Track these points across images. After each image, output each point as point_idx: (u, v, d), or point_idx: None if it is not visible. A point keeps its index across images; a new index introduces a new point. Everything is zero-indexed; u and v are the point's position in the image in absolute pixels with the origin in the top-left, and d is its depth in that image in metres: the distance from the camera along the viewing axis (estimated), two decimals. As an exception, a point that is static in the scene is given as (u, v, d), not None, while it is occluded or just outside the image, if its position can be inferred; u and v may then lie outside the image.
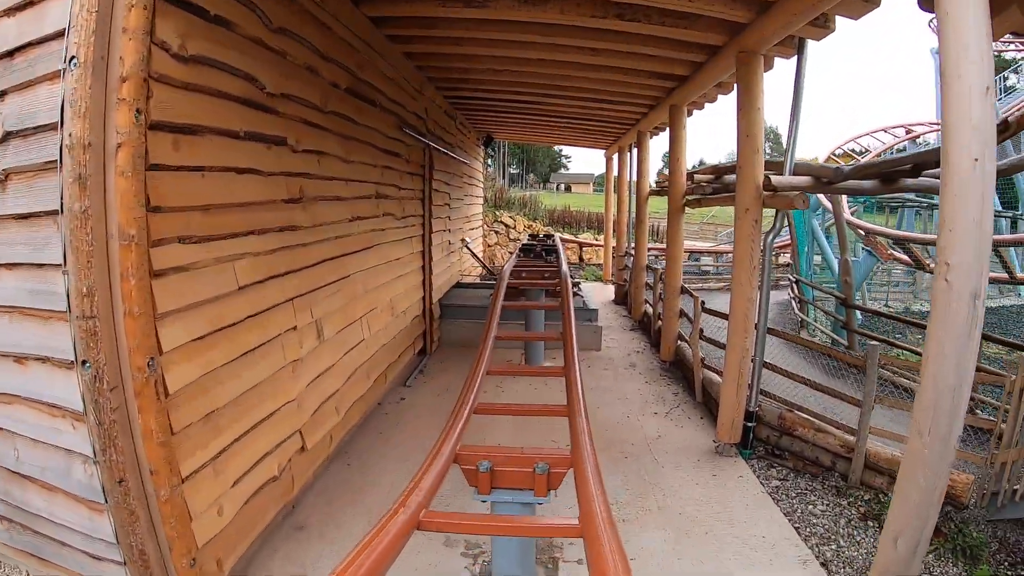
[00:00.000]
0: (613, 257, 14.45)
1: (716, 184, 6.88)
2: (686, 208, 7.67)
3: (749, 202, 4.93)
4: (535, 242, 12.14)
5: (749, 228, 4.93)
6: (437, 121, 8.71)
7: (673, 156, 7.65)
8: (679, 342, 7.71)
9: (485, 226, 17.80)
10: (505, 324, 8.60)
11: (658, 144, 10.80)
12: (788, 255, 16.37)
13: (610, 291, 14.33)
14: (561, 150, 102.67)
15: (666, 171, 9.63)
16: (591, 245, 19.12)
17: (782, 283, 15.42)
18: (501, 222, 18.31)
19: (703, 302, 6.47)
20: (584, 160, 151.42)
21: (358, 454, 5.07)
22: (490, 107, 11.15)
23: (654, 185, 10.56)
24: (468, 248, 10.20)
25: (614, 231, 14.11)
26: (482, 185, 14.98)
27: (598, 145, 14.80)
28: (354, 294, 5.35)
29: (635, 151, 12.05)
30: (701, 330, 6.45)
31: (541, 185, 75.26)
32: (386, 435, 5.47)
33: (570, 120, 11.84)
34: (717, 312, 6.44)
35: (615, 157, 14.91)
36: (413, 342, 7.61)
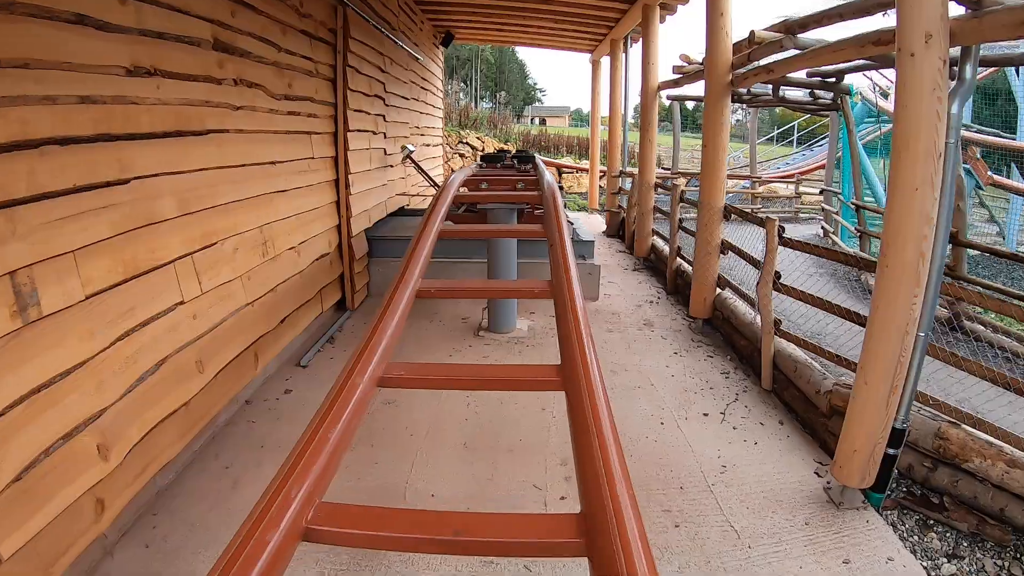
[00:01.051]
0: (603, 180, 11.86)
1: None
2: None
3: (932, 25, 2.34)
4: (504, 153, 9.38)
5: (932, 75, 2.35)
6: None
7: (714, 10, 4.93)
8: (719, 289, 5.24)
9: (448, 148, 15.00)
10: (448, 264, 6.13)
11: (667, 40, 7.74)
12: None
13: (598, 222, 11.79)
14: (536, 83, 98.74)
15: (689, 54, 7.02)
16: (574, 169, 16.40)
17: (803, 215, 13.02)
18: (467, 143, 15.48)
19: (782, 227, 3.95)
20: (559, 93, 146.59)
21: (170, 524, 2.58)
22: None
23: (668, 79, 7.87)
24: (412, 160, 7.45)
25: (604, 153, 11.49)
26: (441, 95, 12.13)
27: (581, 45, 11.99)
28: (150, 215, 2.73)
29: (638, 40, 9.35)
30: (778, 274, 3.94)
31: (516, 119, 71.61)
32: (229, 486, 2.94)
33: (547, 13, 9.11)
34: (807, 246, 3.95)
35: (603, 61, 12.12)
36: (319, 295, 5.06)
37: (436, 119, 11.66)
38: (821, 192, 11.43)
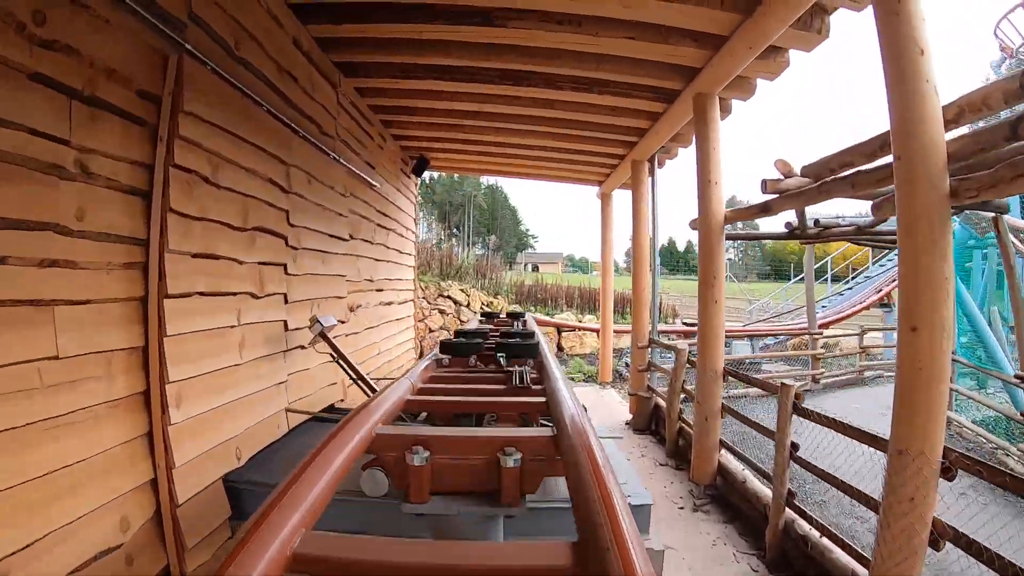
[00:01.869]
0: (618, 339, 9.06)
1: None
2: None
3: None
4: (487, 324, 6.39)
5: None
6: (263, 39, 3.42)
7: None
8: None
9: (425, 302, 12.32)
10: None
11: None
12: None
13: (616, 403, 8.85)
14: (528, 229, 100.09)
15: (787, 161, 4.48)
16: (579, 329, 13.66)
17: (870, 374, 10.16)
18: (449, 297, 12.83)
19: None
20: (552, 239, 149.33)
21: None
22: (424, 113, 6.93)
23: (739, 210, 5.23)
24: (327, 341, 4.42)
25: (628, 310, 8.82)
26: (413, 237, 9.64)
27: (588, 176, 9.73)
28: None
29: (671, 155, 6.98)
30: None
31: (508, 266, 70.93)
32: None
33: (547, 144, 6.94)
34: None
35: (613, 194, 9.79)
36: None
37: (405, 268, 9.05)
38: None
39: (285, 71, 4.29)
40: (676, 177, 8.31)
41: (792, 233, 5.68)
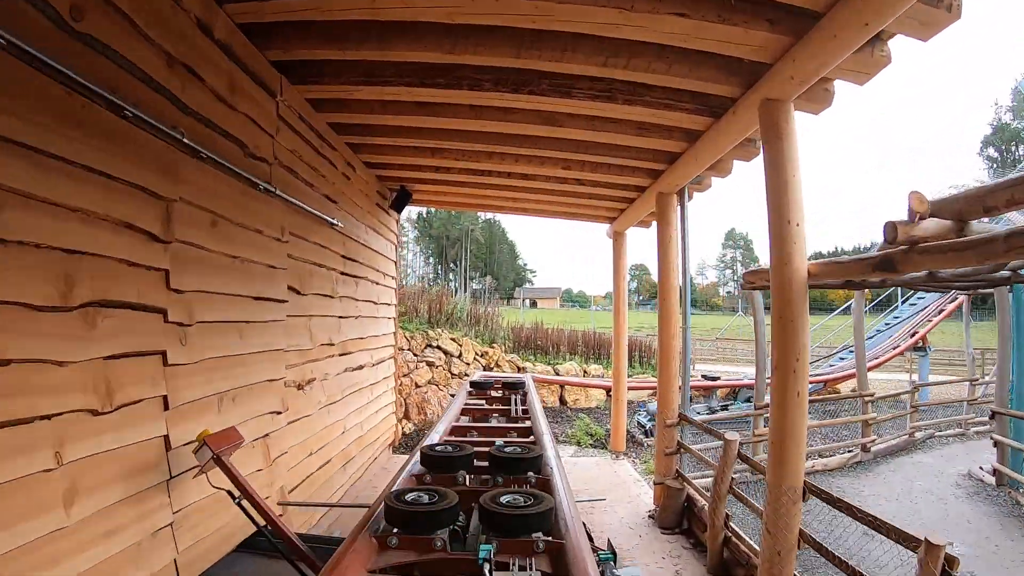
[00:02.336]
0: (646, 406, 7.59)
1: None
2: None
3: None
4: (478, 400, 4.94)
5: None
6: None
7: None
8: None
9: (411, 354, 10.85)
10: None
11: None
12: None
13: (631, 482, 7.35)
14: (526, 263, 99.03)
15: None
16: (588, 387, 12.15)
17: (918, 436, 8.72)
18: (439, 347, 11.35)
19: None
20: (549, 272, 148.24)
21: None
22: (401, 133, 5.65)
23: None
24: (222, 468, 3.01)
25: (651, 363, 7.39)
26: (392, 281, 8.23)
27: (597, 214, 8.39)
28: None
29: (701, 189, 5.68)
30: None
31: (506, 301, 69.52)
32: None
33: (551, 174, 5.76)
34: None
35: (626, 233, 8.45)
36: None
37: (382, 321, 7.63)
38: (992, 417, 7.26)
39: (179, 63, 2.92)
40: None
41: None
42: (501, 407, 5.16)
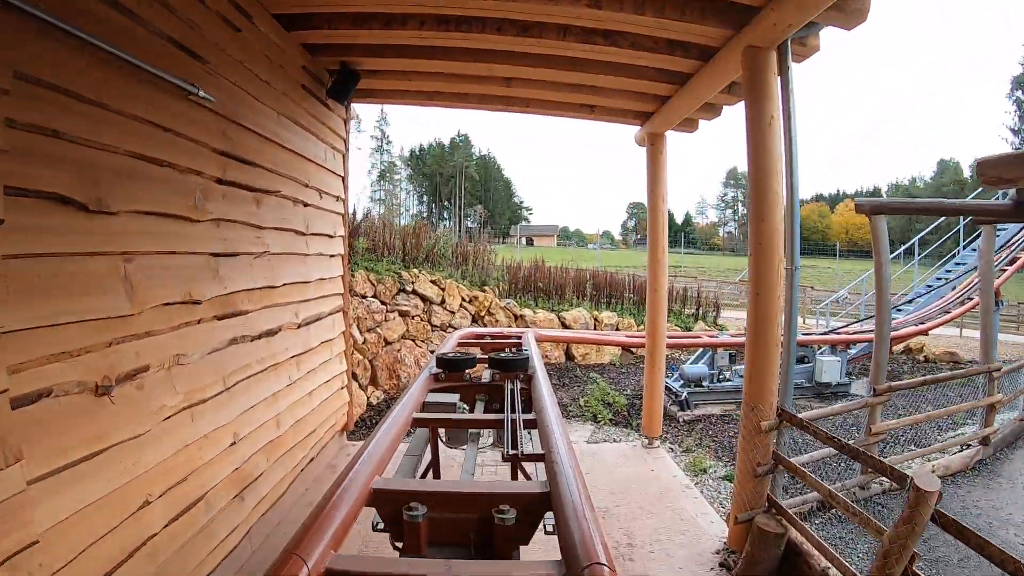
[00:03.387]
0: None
1: None
2: None
3: None
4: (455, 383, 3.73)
5: None
6: None
7: None
8: None
9: (379, 302, 8.50)
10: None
11: None
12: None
13: (680, 488, 5.14)
14: (522, 201, 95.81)
15: None
16: (609, 344, 9.73)
17: None
18: (415, 292, 9.00)
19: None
20: (546, 212, 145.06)
21: None
22: None
23: None
24: None
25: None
26: (341, 204, 5.82)
27: (624, 110, 5.95)
28: None
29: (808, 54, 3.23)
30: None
31: (501, 239, 66.82)
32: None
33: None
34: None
35: (666, 136, 6.05)
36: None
37: (318, 260, 5.28)
38: None
39: None
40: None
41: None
42: (485, 420, 2.98)
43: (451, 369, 3.62)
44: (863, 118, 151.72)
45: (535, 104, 5.97)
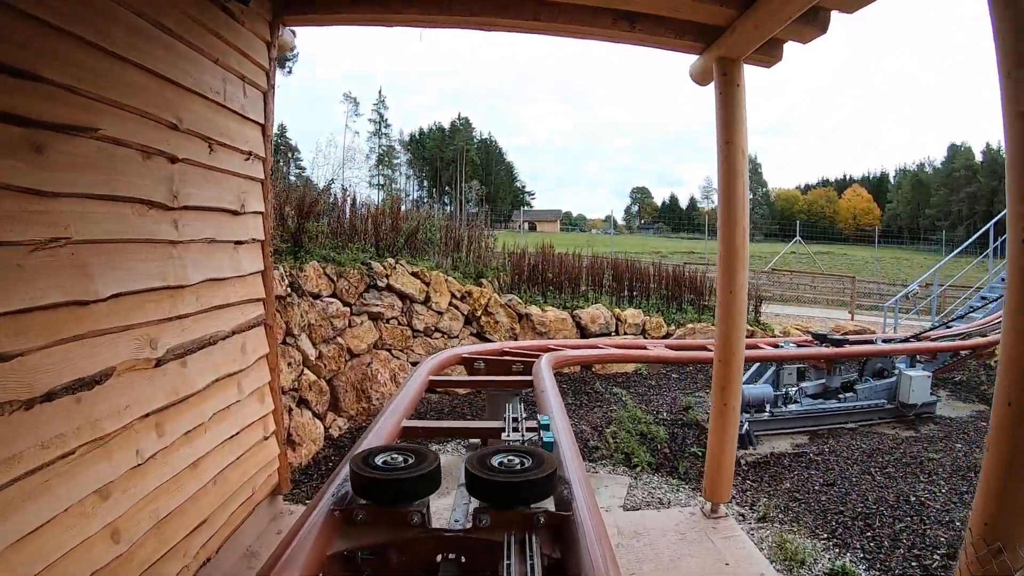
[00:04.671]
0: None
1: None
2: None
3: None
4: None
5: None
6: None
7: None
8: None
9: (340, 303, 6.52)
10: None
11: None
12: None
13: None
14: (524, 185, 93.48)
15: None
16: (645, 360, 7.30)
17: None
18: (391, 288, 7.00)
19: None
20: (549, 198, 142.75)
21: None
22: None
23: None
24: None
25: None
26: (250, 163, 3.87)
27: (677, 29, 3.95)
28: None
29: None
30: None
31: (503, 224, 64.61)
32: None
33: None
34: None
35: (743, 68, 3.99)
36: None
37: (210, 249, 3.32)
38: None
39: None
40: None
41: None
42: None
43: (379, 498, 1.75)
44: (870, 100, 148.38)
45: (550, 8, 3.94)
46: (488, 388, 3.47)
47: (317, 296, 5.96)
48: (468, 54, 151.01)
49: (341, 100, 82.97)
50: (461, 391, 7.15)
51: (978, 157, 72.27)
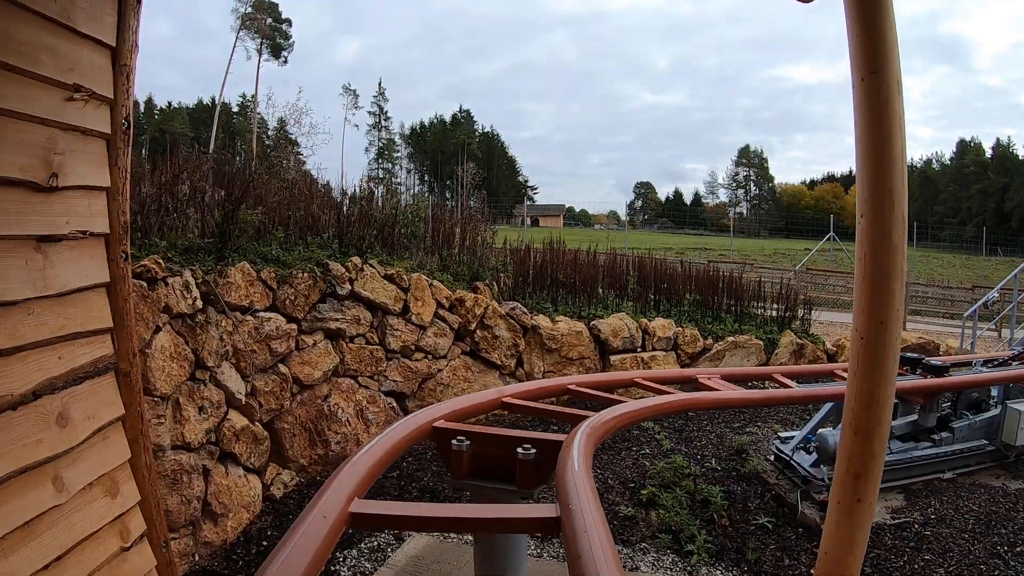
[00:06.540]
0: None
1: None
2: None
3: None
4: None
5: None
6: None
7: None
8: None
9: (282, 318, 4.92)
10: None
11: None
12: None
13: None
14: (527, 180, 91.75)
15: None
16: (746, 403, 5.54)
17: None
18: (354, 296, 5.39)
19: None
20: (551, 192, 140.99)
21: None
22: None
23: None
24: None
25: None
26: (96, 117, 2.33)
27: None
28: None
29: None
30: None
31: (506, 219, 62.83)
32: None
33: None
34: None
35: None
36: None
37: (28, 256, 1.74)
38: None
39: None
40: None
41: None
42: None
43: None
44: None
45: None
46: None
47: (248, 310, 4.38)
48: (468, 43, 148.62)
49: (340, 93, 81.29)
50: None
51: (988, 153, 70.58)
